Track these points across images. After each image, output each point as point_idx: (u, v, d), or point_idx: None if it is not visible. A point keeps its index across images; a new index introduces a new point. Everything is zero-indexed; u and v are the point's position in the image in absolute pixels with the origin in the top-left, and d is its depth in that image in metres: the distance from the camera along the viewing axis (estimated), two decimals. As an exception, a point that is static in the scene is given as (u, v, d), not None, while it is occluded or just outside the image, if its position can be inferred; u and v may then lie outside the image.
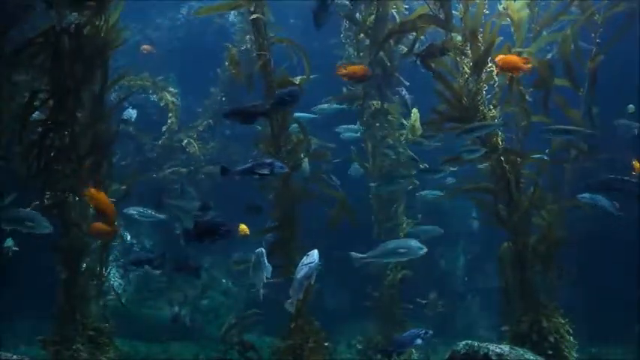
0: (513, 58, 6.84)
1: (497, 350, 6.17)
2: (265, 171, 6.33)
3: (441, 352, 9.96)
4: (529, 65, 6.84)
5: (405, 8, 8.67)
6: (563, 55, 7.47)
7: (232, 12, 9.61)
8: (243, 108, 6.82)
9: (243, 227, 8.28)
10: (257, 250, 6.50)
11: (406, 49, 8.36)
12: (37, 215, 6.59)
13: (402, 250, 6.78)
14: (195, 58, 12.80)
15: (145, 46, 12.81)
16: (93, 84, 7.28)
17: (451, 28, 7.24)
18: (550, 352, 6.78)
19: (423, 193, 9.90)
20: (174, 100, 11.71)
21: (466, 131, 7.01)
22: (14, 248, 8.06)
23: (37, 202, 6.98)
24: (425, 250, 6.68)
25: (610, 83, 8.29)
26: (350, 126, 9.87)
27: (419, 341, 6.71)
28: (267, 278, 6.37)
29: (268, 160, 6.44)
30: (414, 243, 6.77)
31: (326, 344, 7.52)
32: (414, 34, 7.96)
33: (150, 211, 8.95)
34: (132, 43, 12.96)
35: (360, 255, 6.72)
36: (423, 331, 6.75)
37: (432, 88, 7.48)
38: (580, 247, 7.67)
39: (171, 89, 11.81)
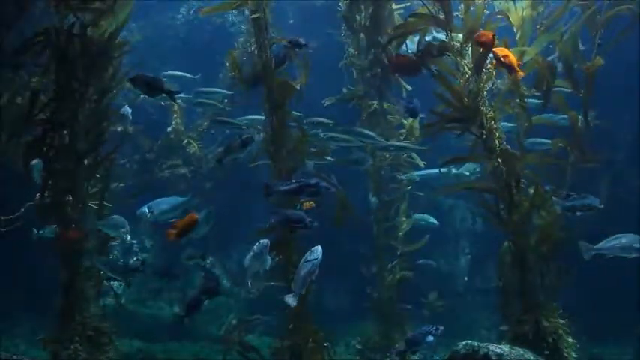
0: (512, 58, 6.76)
1: (497, 350, 6.18)
2: (312, 192, 6.41)
3: (441, 352, 9.95)
4: (520, 73, 6.78)
5: (404, 7, 8.63)
6: (563, 56, 7.43)
7: (232, 12, 9.59)
8: (147, 78, 6.80)
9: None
10: (261, 241, 6.52)
11: (407, 51, 8.33)
12: (119, 219, 6.81)
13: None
14: (194, 58, 12.79)
15: None
16: (96, 85, 7.30)
17: (451, 28, 7.18)
18: (549, 352, 6.75)
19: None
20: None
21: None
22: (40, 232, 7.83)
23: (33, 202, 7.02)
24: None
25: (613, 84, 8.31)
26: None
27: (431, 338, 6.66)
28: (265, 271, 6.40)
29: (313, 181, 6.46)
30: None
31: (325, 344, 7.52)
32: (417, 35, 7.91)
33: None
34: (132, 43, 13.02)
35: (591, 246, 6.57)
36: (434, 328, 6.70)
37: (431, 89, 7.43)
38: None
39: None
